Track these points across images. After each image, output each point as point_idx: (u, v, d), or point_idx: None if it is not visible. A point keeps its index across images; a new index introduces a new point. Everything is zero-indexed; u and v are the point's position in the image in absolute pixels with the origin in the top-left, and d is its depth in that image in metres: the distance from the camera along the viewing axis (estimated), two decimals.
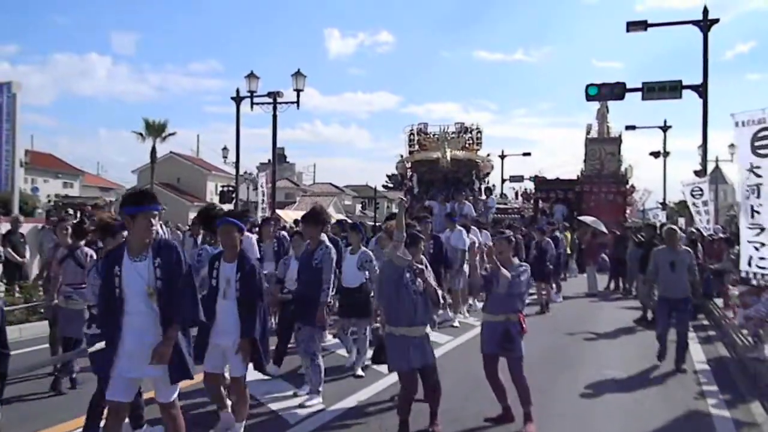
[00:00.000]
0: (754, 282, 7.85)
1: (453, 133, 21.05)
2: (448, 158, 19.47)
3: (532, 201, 27.82)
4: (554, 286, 14.23)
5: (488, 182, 22.35)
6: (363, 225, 7.57)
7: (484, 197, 20.57)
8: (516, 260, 5.64)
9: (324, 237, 6.23)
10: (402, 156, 21.71)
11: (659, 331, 7.99)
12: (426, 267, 5.15)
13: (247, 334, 4.61)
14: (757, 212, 7.58)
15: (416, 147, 21.29)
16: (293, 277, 6.69)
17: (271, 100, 21.63)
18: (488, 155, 22.46)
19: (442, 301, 5.34)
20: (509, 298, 5.33)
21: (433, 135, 21.28)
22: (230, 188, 25.24)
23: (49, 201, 36.92)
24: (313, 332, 5.92)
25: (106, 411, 4.02)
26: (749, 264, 7.74)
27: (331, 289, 5.96)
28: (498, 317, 5.35)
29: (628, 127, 29.03)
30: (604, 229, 18.07)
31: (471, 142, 21.03)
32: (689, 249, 8.51)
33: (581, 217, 19.92)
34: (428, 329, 5.09)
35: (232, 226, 4.82)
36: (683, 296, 7.84)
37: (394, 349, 4.97)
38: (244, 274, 4.67)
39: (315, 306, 5.81)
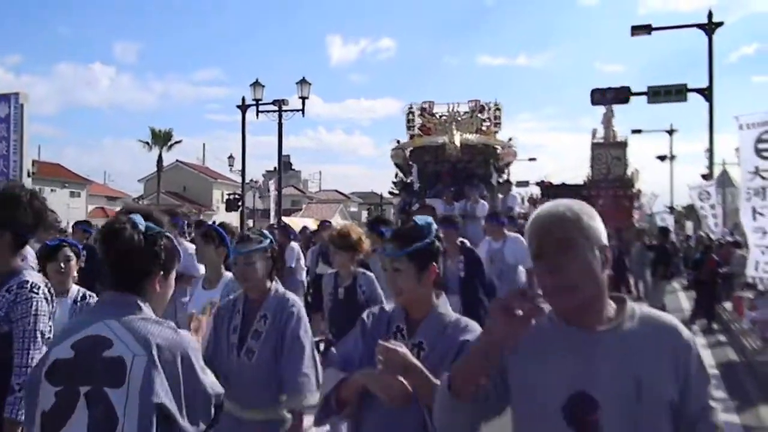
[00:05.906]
0: (761, 287, 7.80)
1: (465, 112, 16.69)
2: (457, 143, 14.85)
3: (538, 206, 27.78)
4: None
5: (509, 174, 17.05)
6: (227, 228, 4.15)
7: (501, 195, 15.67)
8: (447, 307, 2.25)
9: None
10: (398, 142, 16.56)
11: None
12: (295, 304, 2.81)
13: None
14: (761, 214, 7.57)
15: (417, 131, 16.81)
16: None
17: (276, 108, 21.73)
18: (510, 140, 16.97)
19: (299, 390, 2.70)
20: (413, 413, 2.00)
21: (440, 116, 16.83)
22: (236, 196, 25.33)
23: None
24: None
25: None
26: (756, 269, 7.70)
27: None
28: None
29: (634, 131, 29.09)
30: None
31: (488, 123, 16.61)
32: None
33: None
34: (284, 416, 2.76)
35: None
36: None
37: None
38: None
39: None
